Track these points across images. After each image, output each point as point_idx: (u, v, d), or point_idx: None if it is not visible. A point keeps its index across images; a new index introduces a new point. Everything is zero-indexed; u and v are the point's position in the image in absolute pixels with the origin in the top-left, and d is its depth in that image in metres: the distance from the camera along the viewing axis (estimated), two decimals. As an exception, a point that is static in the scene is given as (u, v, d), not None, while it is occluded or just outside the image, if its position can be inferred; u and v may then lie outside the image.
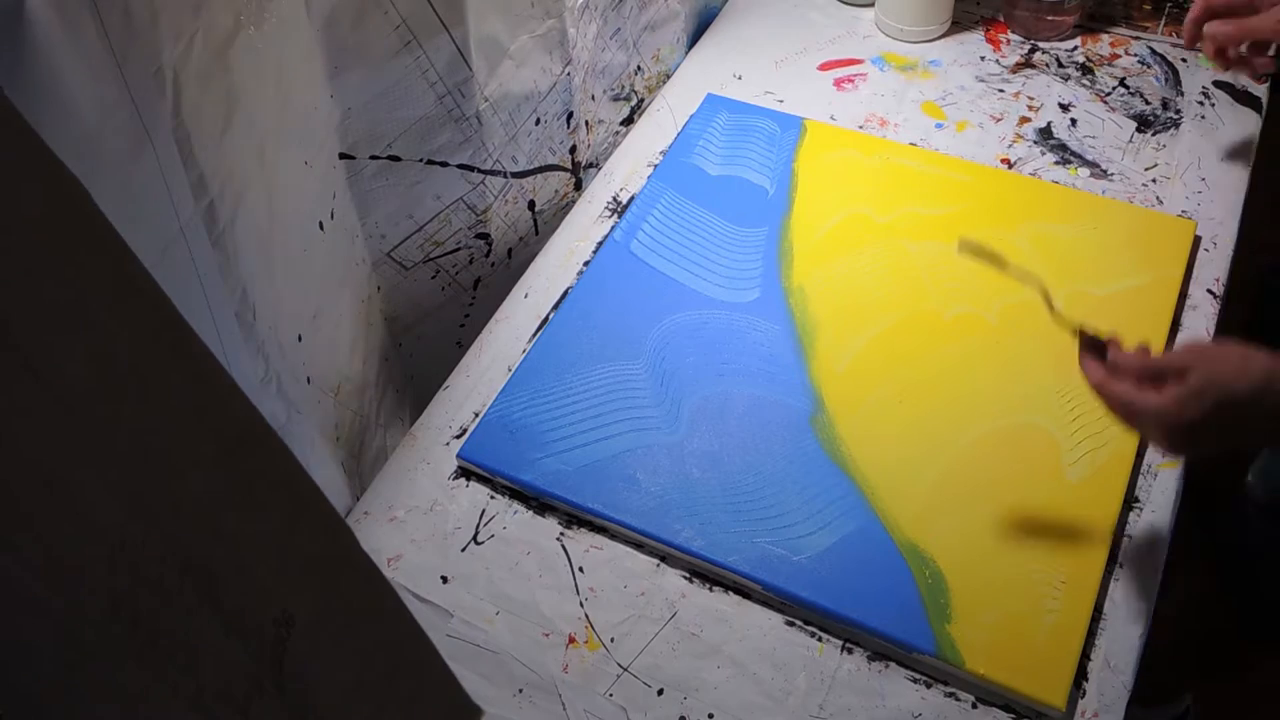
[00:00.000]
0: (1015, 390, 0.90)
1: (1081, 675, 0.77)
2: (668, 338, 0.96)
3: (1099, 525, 0.82)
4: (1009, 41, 1.24)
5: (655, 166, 1.12)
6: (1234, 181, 1.08)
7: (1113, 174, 1.09)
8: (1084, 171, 1.09)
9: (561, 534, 0.86)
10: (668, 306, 0.98)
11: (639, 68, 1.20)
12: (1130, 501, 0.85)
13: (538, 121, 1.03)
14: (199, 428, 0.40)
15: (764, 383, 0.92)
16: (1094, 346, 0.77)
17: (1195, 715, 1.29)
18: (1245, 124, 1.13)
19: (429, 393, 0.97)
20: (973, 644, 0.76)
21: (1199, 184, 1.07)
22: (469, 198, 0.98)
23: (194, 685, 0.40)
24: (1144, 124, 1.13)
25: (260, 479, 0.44)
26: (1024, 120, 1.15)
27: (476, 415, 0.93)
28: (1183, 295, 0.97)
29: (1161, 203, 1.06)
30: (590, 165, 1.16)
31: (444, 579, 0.84)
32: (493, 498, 0.88)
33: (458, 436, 0.92)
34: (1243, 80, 1.16)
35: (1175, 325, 0.96)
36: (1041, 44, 1.23)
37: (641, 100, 1.23)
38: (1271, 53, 1.00)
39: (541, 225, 1.11)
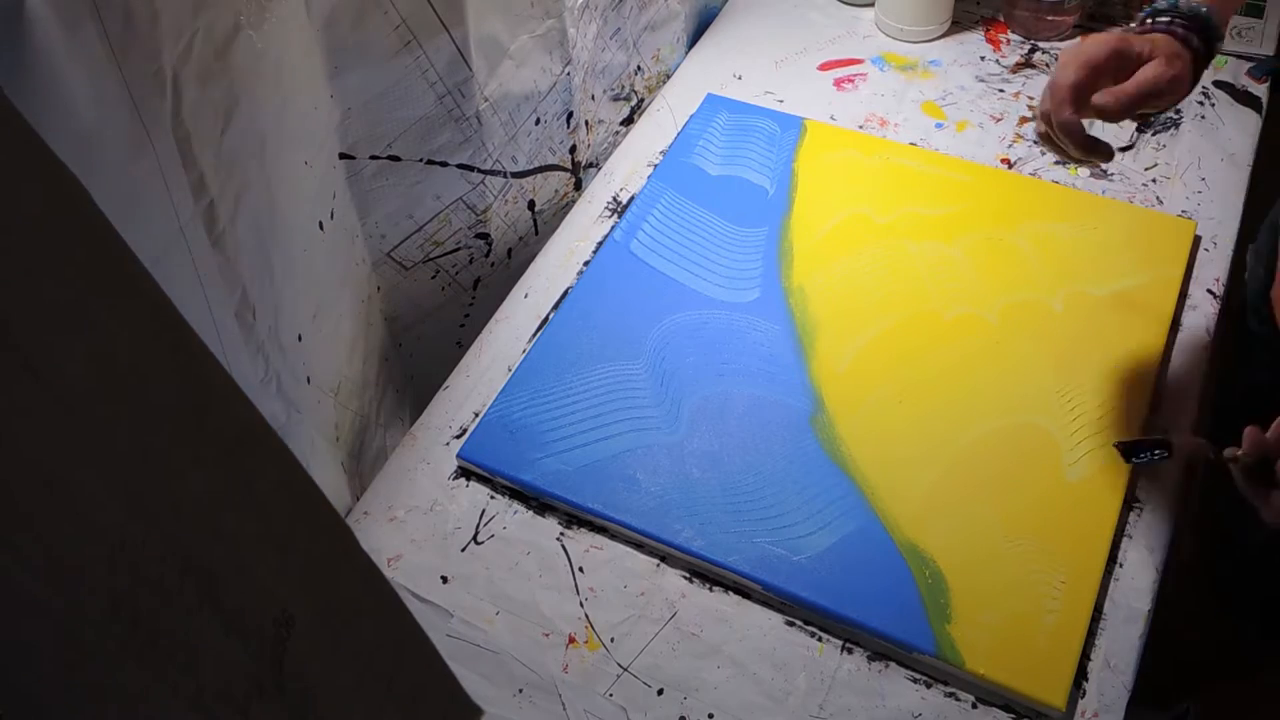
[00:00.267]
0: (1015, 390, 0.90)
1: (1081, 675, 0.77)
2: (668, 338, 0.96)
3: (1099, 525, 0.82)
4: (1009, 41, 1.24)
5: (655, 166, 1.12)
6: (1234, 181, 1.08)
7: (1113, 174, 1.09)
8: (1084, 171, 1.09)
9: (561, 534, 0.86)
10: (668, 306, 0.98)
11: (639, 68, 1.20)
12: (1130, 501, 0.85)
13: (538, 121, 1.03)
14: (199, 428, 0.40)
15: (764, 383, 0.92)
16: (1262, 471, 0.69)
17: (1195, 717, 1.29)
18: (1245, 124, 1.13)
19: (429, 393, 0.97)
20: (973, 644, 0.76)
21: (1199, 184, 1.07)
22: (469, 198, 0.98)
23: (194, 685, 0.40)
24: (1144, 124, 1.13)
25: (260, 479, 0.44)
26: (1024, 120, 1.15)
27: (476, 415, 0.93)
28: (1183, 295, 0.98)
29: (1161, 203, 1.06)
30: (590, 165, 1.16)
31: (444, 579, 0.84)
32: (493, 498, 0.88)
33: (458, 436, 0.92)
34: (1243, 80, 1.16)
35: (1175, 325, 0.96)
36: (1042, 44, 1.23)
37: (641, 100, 1.23)
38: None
39: (541, 225, 1.11)
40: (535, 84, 1.00)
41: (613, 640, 0.80)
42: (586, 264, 1.04)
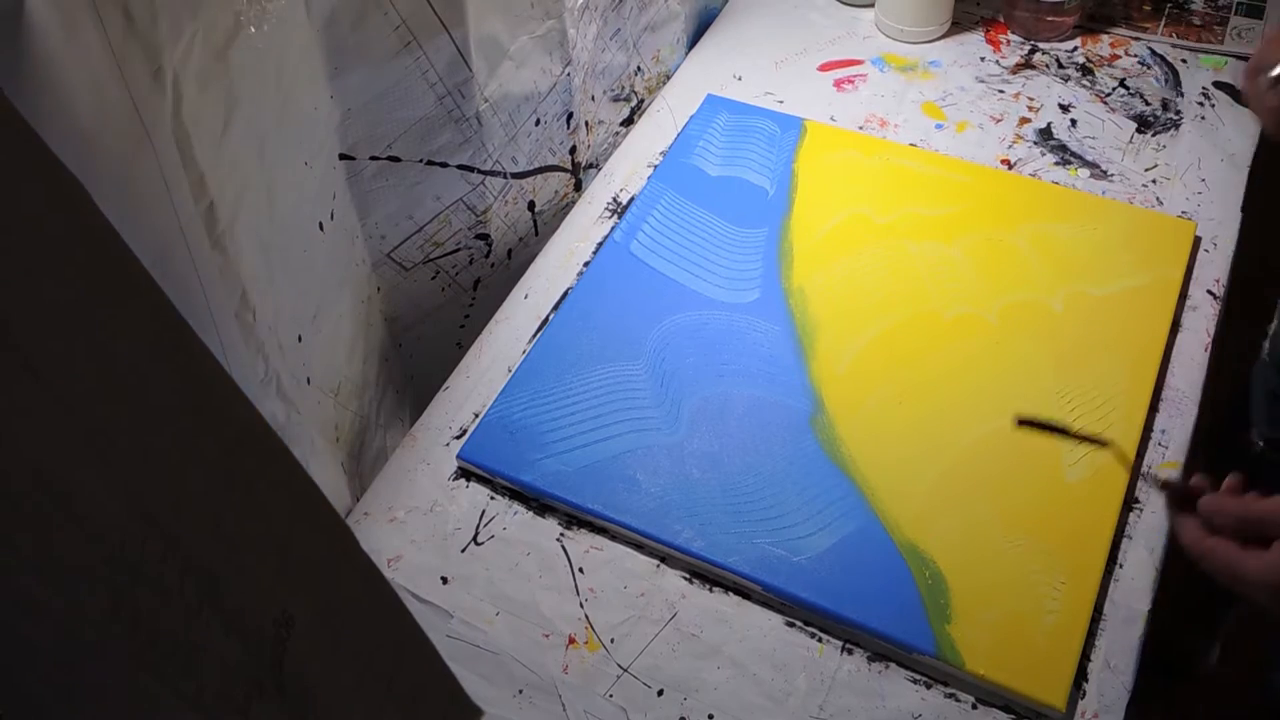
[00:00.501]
0: (1015, 391, 0.90)
1: (1081, 676, 0.77)
2: (668, 338, 0.96)
3: (1099, 526, 0.82)
4: (1009, 42, 1.24)
5: (655, 167, 1.12)
6: (1234, 182, 1.08)
7: (1113, 175, 1.09)
8: (1084, 172, 1.09)
9: (561, 535, 0.86)
10: (668, 307, 0.98)
11: (639, 68, 1.20)
12: (1130, 502, 0.85)
13: (538, 122, 1.03)
14: (199, 428, 0.40)
15: (764, 383, 0.92)
16: (1183, 498, 0.69)
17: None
18: (1245, 125, 1.13)
19: (429, 393, 0.97)
20: (973, 645, 0.76)
21: (1199, 184, 1.07)
22: (469, 198, 0.98)
23: (194, 685, 0.40)
24: (1144, 125, 1.13)
25: (260, 479, 0.44)
26: (1024, 121, 1.15)
27: (476, 416, 0.93)
28: (1183, 296, 0.98)
29: (1161, 203, 1.06)
30: (590, 166, 1.16)
31: (444, 580, 0.84)
32: (493, 498, 0.88)
33: (458, 437, 0.92)
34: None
35: (1175, 326, 0.96)
36: (1041, 45, 1.23)
37: (641, 101, 1.23)
38: None
39: (541, 226, 1.11)
40: (535, 85, 1.00)
41: (613, 641, 0.80)
42: (586, 265, 1.04)
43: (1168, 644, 0.78)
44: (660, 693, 0.78)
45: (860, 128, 1.15)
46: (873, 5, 1.28)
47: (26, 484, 0.33)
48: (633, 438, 0.89)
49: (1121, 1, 1.27)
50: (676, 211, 1.06)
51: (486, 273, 1.06)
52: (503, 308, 1.02)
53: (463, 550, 0.85)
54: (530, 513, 0.87)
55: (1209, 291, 0.99)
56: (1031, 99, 1.17)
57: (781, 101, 1.19)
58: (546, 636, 0.81)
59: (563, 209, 1.12)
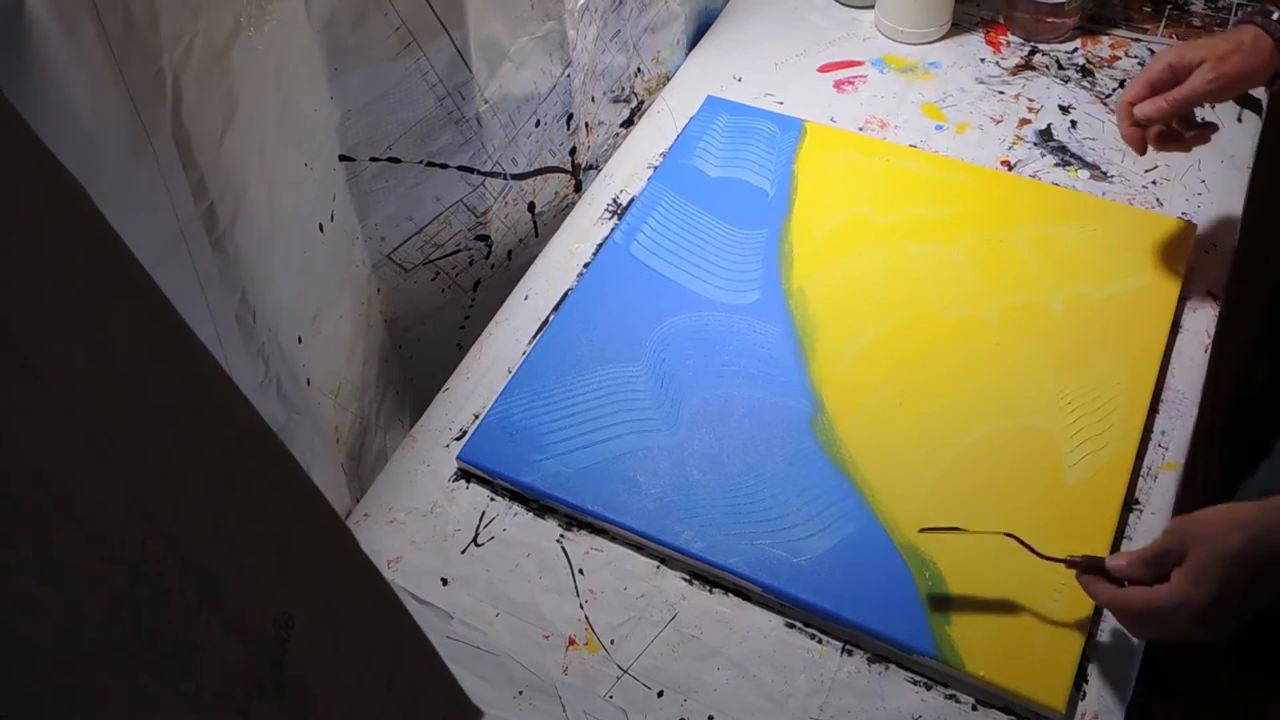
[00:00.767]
0: (1015, 392, 0.91)
1: (1081, 677, 0.77)
2: (668, 340, 0.96)
3: (1099, 527, 0.82)
4: (1009, 43, 1.24)
5: (655, 168, 1.12)
6: (1234, 183, 1.08)
7: (1113, 176, 1.09)
8: (1084, 173, 1.09)
9: (561, 536, 0.86)
10: (668, 308, 0.98)
11: (639, 69, 1.20)
12: (1130, 504, 0.85)
13: (538, 123, 1.03)
14: (199, 429, 0.40)
15: (764, 385, 0.92)
16: (1091, 568, 0.74)
17: None
18: (1245, 126, 1.13)
19: (429, 395, 0.97)
20: (973, 646, 0.76)
21: (1199, 186, 1.07)
22: (469, 200, 0.98)
23: (194, 685, 0.40)
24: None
25: (260, 480, 0.44)
26: (1024, 122, 1.15)
27: (476, 417, 0.93)
28: (1183, 297, 0.98)
29: (1161, 204, 1.06)
30: (590, 167, 1.17)
31: (444, 581, 0.84)
32: (492, 500, 0.88)
33: (458, 438, 0.92)
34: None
35: (1175, 327, 0.96)
36: (1041, 46, 1.23)
37: (641, 102, 1.23)
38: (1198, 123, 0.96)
39: (541, 227, 1.11)
40: (535, 86, 1.00)
41: (613, 642, 0.80)
42: (586, 266, 1.04)
43: (1168, 645, 0.78)
44: (660, 694, 0.78)
45: (860, 129, 1.15)
46: (873, 7, 1.28)
47: (26, 484, 0.33)
48: (633, 439, 0.89)
49: (1121, 3, 1.27)
50: (676, 213, 1.06)
51: (486, 274, 1.06)
52: (503, 309, 1.02)
53: (463, 551, 0.85)
54: (530, 514, 0.87)
55: (1209, 292, 0.99)
56: (1031, 100, 1.17)
57: (781, 103, 1.19)
58: (546, 638, 0.81)
59: (563, 210, 1.12)
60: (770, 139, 1.13)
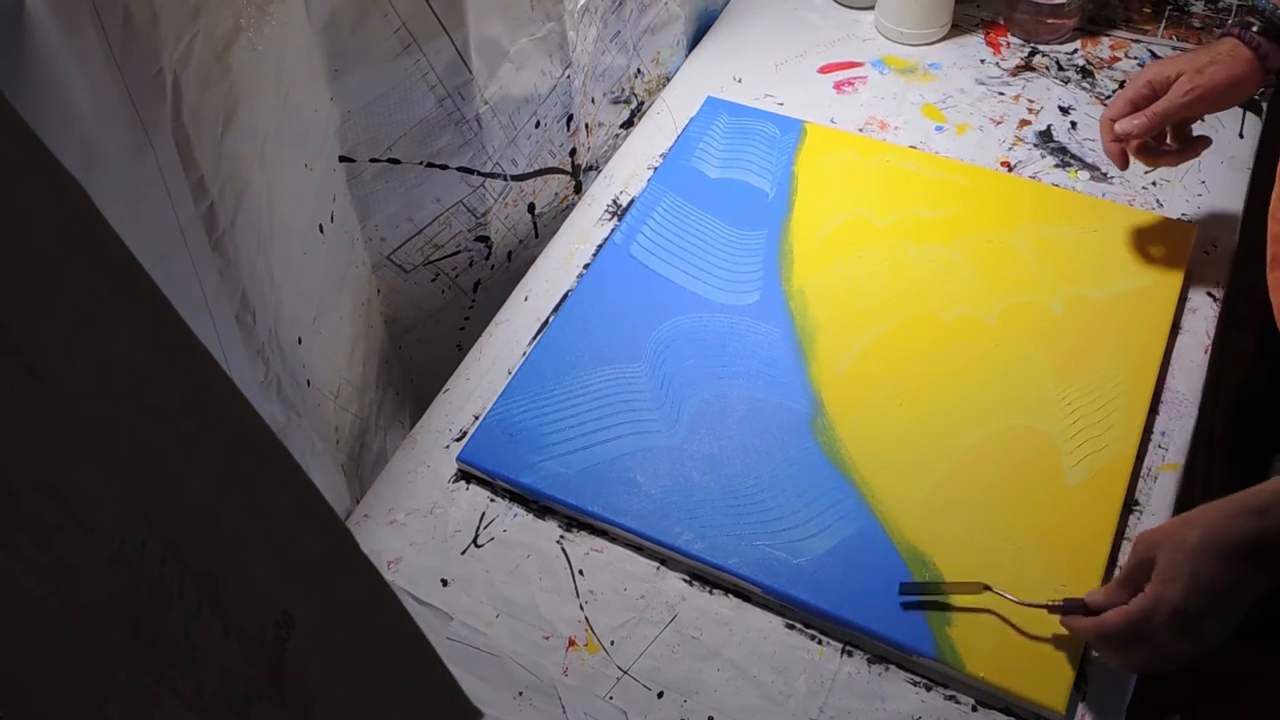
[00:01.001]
0: (1015, 393, 0.90)
1: (1082, 679, 0.76)
2: (668, 340, 0.96)
3: (1099, 528, 0.82)
4: (1009, 44, 1.24)
5: (655, 169, 1.12)
6: (1234, 184, 1.08)
7: (1113, 177, 1.09)
8: (1084, 174, 1.09)
9: (561, 537, 0.86)
10: (668, 309, 0.98)
11: (639, 70, 1.20)
12: (1130, 505, 0.85)
13: (538, 124, 1.03)
14: (199, 430, 0.40)
15: (764, 385, 0.92)
16: (1073, 609, 0.75)
17: None
18: (1245, 127, 1.13)
19: (429, 395, 0.97)
20: (973, 647, 0.76)
21: (1199, 187, 1.07)
22: (469, 200, 0.98)
23: (193, 686, 0.40)
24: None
25: (260, 481, 0.44)
26: (1024, 123, 1.15)
27: (476, 418, 0.93)
28: (1183, 299, 0.98)
29: (1161, 205, 1.06)
30: (590, 168, 1.17)
31: (444, 582, 0.84)
32: (492, 500, 0.88)
33: (458, 439, 0.92)
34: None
35: (1175, 329, 0.96)
36: (1041, 47, 1.23)
37: (641, 103, 1.23)
38: (1170, 142, 0.97)
39: (541, 228, 1.11)
40: (535, 87, 1.00)
41: (613, 643, 0.80)
42: (586, 267, 1.04)
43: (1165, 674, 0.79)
44: (660, 695, 0.78)
45: (860, 130, 1.16)
46: (872, 8, 1.28)
47: (26, 484, 0.33)
48: (633, 440, 0.89)
49: (1121, 4, 1.28)
50: (676, 214, 1.06)
51: (486, 275, 1.06)
52: (503, 310, 1.02)
53: (462, 552, 0.85)
54: (530, 515, 0.87)
55: (1209, 294, 0.99)
56: (1031, 101, 1.17)
57: (781, 104, 1.19)
58: (546, 638, 0.80)
59: (563, 211, 1.12)
60: (770, 140, 1.13)
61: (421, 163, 0.92)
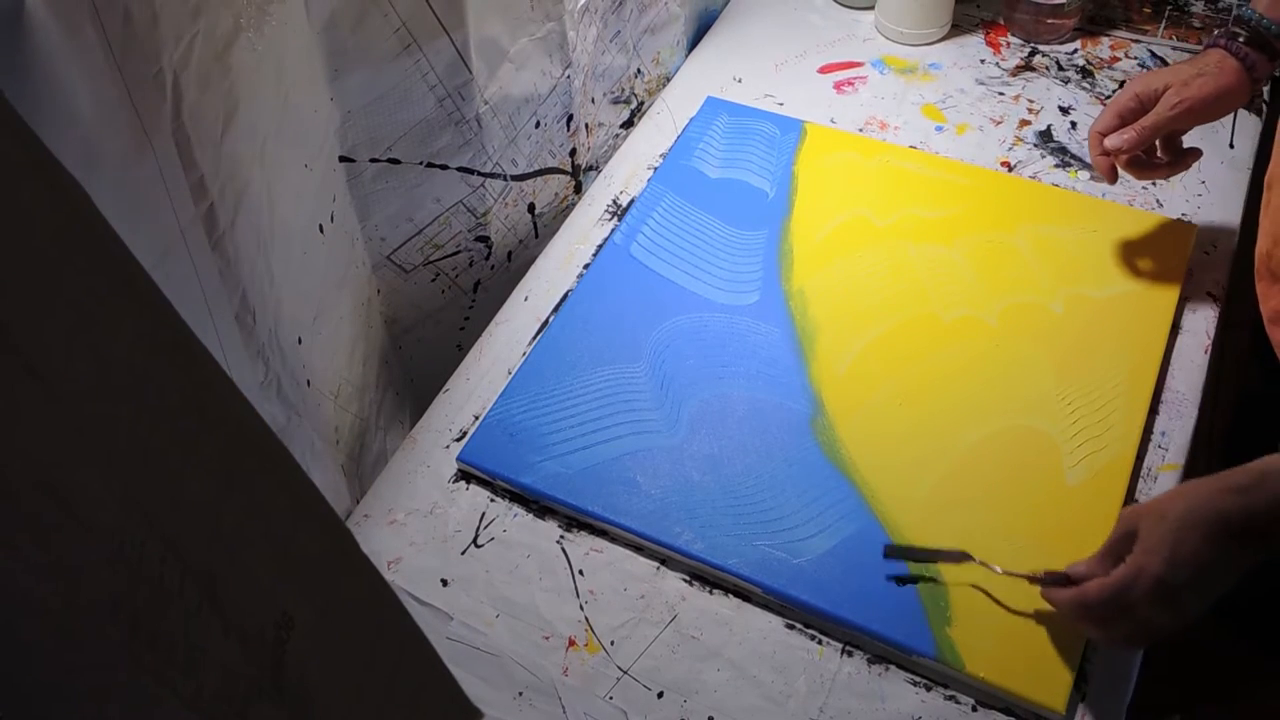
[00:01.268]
0: (1015, 393, 0.90)
1: (1082, 679, 0.76)
2: (668, 341, 0.96)
3: (1099, 528, 0.82)
4: (1009, 44, 1.24)
5: (655, 169, 1.12)
6: (1234, 184, 1.08)
7: (1112, 177, 1.09)
8: (1084, 174, 1.09)
9: (561, 537, 0.86)
10: (668, 309, 0.98)
11: (639, 70, 1.20)
12: (1130, 505, 0.85)
13: (538, 124, 1.03)
14: (199, 430, 0.40)
15: (764, 385, 0.92)
16: (1055, 582, 0.75)
17: None
18: (1246, 127, 1.13)
19: (429, 395, 0.97)
20: (973, 647, 0.76)
21: (1199, 187, 1.07)
22: (469, 201, 0.98)
23: (193, 686, 0.40)
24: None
25: (260, 481, 0.44)
26: (1024, 123, 1.15)
27: (476, 418, 0.93)
28: (1183, 298, 0.98)
29: (1161, 205, 1.06)
30: (590, 168, 1.17)
31: (444, 582, 0.84)
32: (492, 501, 0.88)
33: (458, 439, 0.92)
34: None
35: (1175, 328, 0.96)
36: (1041, 47, 1.23)
37: (641, 103, 1.23)
38: (1162, 155, 0.96)
39: (541, 228, 1.11)
40: (535, 87, 1.00)
41: (613, 643, 0.80)
42: (586, 267, 1.04)
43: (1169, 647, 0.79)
44: (660, 695, 0.78)
45: (860, 130, 1.16)
46: (872, 8, 1.28)
47: (26, 484, 0.33)
48: (633, 440, 0.89)
49: (1121, 4, 1.28)
50: (676, 214, 1.06)
51: (486, 275, 1.06)
52: (503, 310, 1.02)
53: (462, 552, 0.85)
54: (530, 515, 0.87)
55: (1209, 294, 0.99)
56: (1031, 101, 1.17)
57: (781, 104, 1.19)
58: (546, 638, 0.80)
59: (563, 211, 1.12)
60: (770, 140, 1.13)
61: (421, 163, 0.92)
